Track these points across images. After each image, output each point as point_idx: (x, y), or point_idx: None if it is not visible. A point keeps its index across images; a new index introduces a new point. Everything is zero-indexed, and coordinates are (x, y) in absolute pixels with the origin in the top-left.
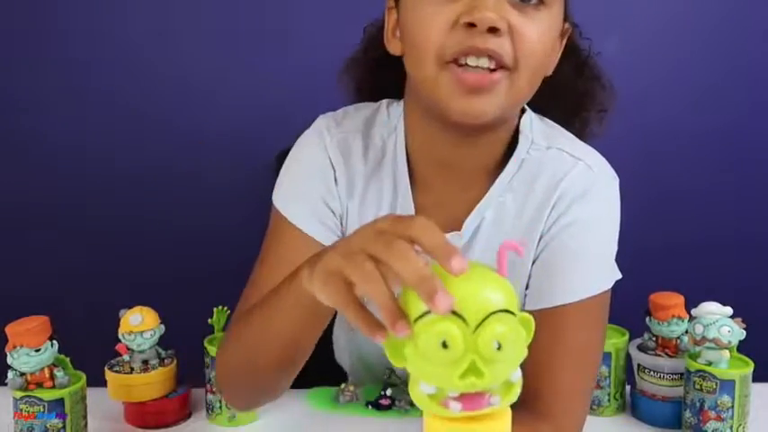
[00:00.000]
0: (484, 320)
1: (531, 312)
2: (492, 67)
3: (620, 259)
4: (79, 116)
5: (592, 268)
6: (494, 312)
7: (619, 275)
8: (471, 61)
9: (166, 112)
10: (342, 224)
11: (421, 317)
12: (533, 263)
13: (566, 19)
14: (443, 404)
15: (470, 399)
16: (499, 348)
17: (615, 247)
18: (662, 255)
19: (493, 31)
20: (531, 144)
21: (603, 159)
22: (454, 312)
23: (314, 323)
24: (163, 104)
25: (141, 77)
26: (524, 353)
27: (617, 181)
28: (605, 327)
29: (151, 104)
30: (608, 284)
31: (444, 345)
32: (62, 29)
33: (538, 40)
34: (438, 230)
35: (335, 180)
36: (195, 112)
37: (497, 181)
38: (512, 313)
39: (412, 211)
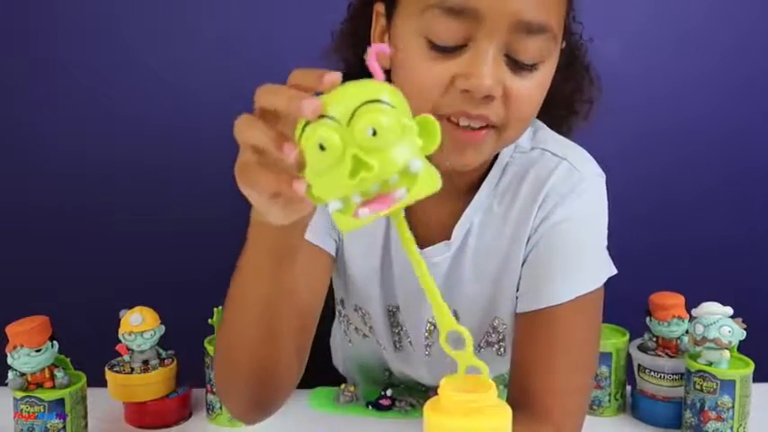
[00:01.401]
0: (354, 113)
1: (524, 314)
2: (481, 126)
3: (621, 259)
4: (79, 117)
5: (582, 266)
6: (363, 104)
7: (613, 271)
8: (462, 122)
9: (166, 113)
10: (338, 230)
11: (301, 134)
12: (523, 264)
13: (562, 38)
14: (355, 216)
15: (375, 201)
16: (375, 134)
17: (605, 243)
18: (662, 255)
19: (488, 98)
20: (515, 147)
21: (588, 156)
22: (327, 117)
23: (278, 264)
24: (162, 105)
25: (139, 78)
26: (413, 141)
27: (603, 177)
28: (600, 323)
29: (151, 105)
30: (600, 281)
31: (322, 147)
32: (58, 29)
33: (532, 97)
34: (307, 70)
35: None
36: (194, 112)
37: (482, 187)
38: (390, 105)
39: (404, 224)
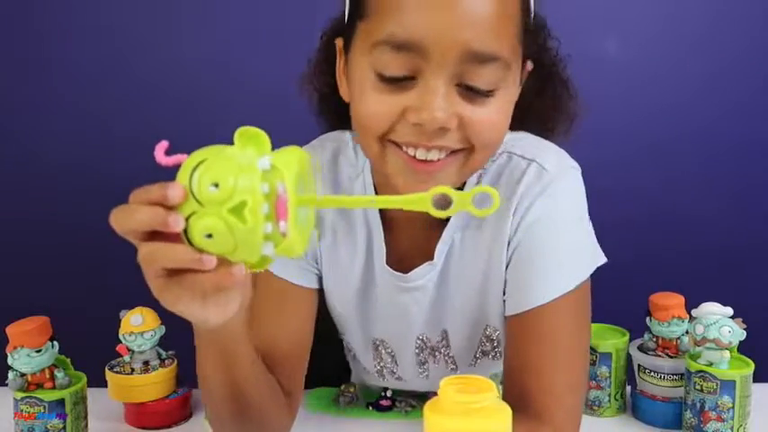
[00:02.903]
0: (193, 193)
1: (512, 317)
2: (442, 157)
3: (622, 260)
4: (78, 117)
5: (564, 263)
6: (190, 181)
7: (602, 260)
8: (420, 154)
9: (165, 113)
10: (317, 262)
11: (188, 240)
12: (506, 269)
13: (527, 57)
14: (285, 235)
15: (277, 208)
16: (217, 186)
17: (587, 235)
18: (662, 255)
19: (443, 130)
20: None
21: (558, 152)
22: (189, 217)
23: (229, 355)
24: (162, 105)
25: (140, 79)
26: (248, 154)
27: (576, 170)
28: (589, 317)
29: (150, 106)
30: (583, 276)
31: (210, 236)
32: (58, 30)
33: (493, 123)
34: (148, 189)
35: None
36: (194, 111)
37: None
38: (203, 161)
39: (383, 249)
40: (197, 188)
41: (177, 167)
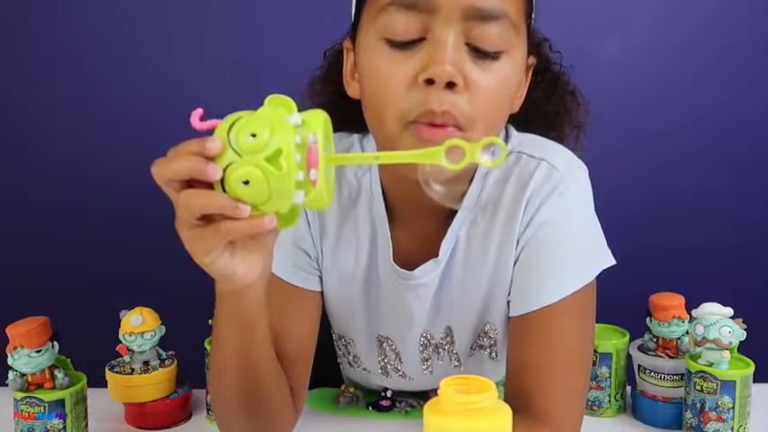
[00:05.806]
0: (231, 144)
1: (517, 318)
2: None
3: (621, 260)
4: (81, 116)
5: (568, 265)
6: (228, 133)
7: (609, 261)
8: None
9: (169, 113)
10: (318, 264)
11: (223, 190)
12: (513, 267)
13: (530, 52)
14: (314, 184)
15: (309, 158)
16: (255, 136)
17: (596, 236)
18: (662, 255)
19: (450, 86)
20: None
21: (567, 152)
22: (226, 169)
23: (248, 324)
24: (165, 105)
25: (143, 78)
26: (277, 111)
27: (584, 171)
28: (593, 318)
29: (153, 105)
30: (589, 277)
31: (247, 182)
32: (63, 28)
33: (494, 92)
34: (190, 143)
35: (308, 222)
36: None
37: (465, 200)
38: (243, 117)
39: (390, 245)
40: (235, 139)
41: (210, 133)
